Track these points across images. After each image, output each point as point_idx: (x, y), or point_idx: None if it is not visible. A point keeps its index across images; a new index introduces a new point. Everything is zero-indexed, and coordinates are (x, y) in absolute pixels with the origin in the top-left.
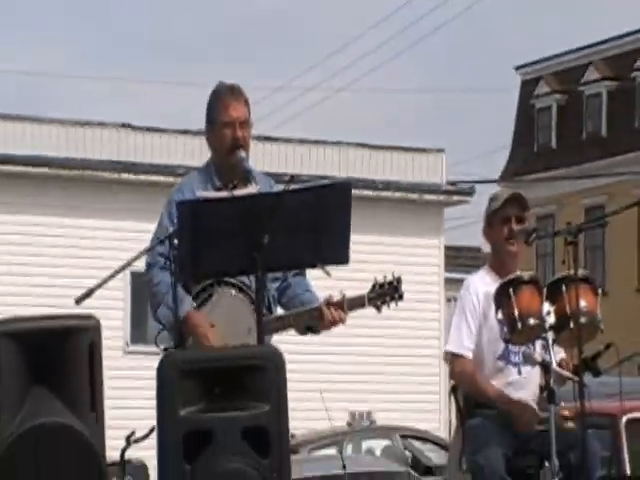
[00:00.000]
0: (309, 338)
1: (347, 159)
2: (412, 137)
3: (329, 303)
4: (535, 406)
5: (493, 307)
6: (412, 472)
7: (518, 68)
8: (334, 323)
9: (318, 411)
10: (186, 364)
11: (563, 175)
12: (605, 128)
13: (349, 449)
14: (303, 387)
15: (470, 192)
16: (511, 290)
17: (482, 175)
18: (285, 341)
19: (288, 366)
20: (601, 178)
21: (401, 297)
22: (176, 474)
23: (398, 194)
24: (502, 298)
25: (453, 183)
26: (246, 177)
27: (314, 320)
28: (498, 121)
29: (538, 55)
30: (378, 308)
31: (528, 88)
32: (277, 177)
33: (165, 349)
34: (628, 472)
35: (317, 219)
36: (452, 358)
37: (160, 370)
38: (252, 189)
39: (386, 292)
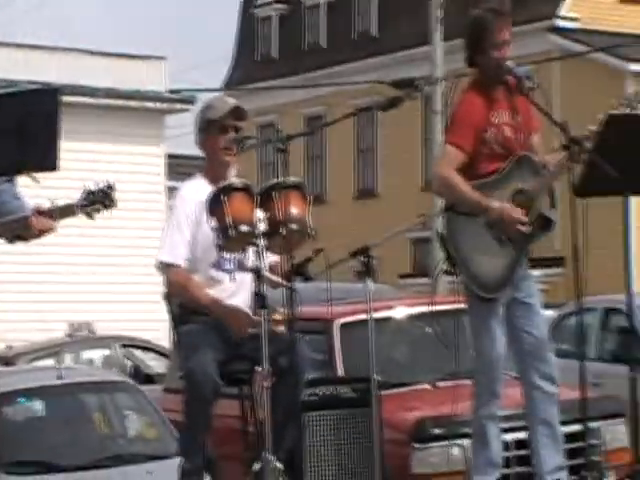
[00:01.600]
0: (24, 247)
1: (67, 65)
2: (138, 45)
3: (38, 212)
4: (249, 311)
5: (206, 215)
6: (130, 381)
7: None
8: (43, 232)
9: (37, 322)
10: None
11: (284, 84)
12: (325, 39)
13: (68, 360)
14: (20, 298)
15: (191, 100)
16: (223, 197)
17: (205, 84)
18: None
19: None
20: (320, 88)
21: (112, 203)
22: None
23: (119, 101)
24: (214, 206)
25: (175, 91)
26: None
27: (23, 228)
28: (221, 30)
29: None
30: (89, 215)
31: None
32: None
33: None
34: (342, 374)
35: (22, 125)
36: (165, 267)
37: None
38: None
39: (97, 199)
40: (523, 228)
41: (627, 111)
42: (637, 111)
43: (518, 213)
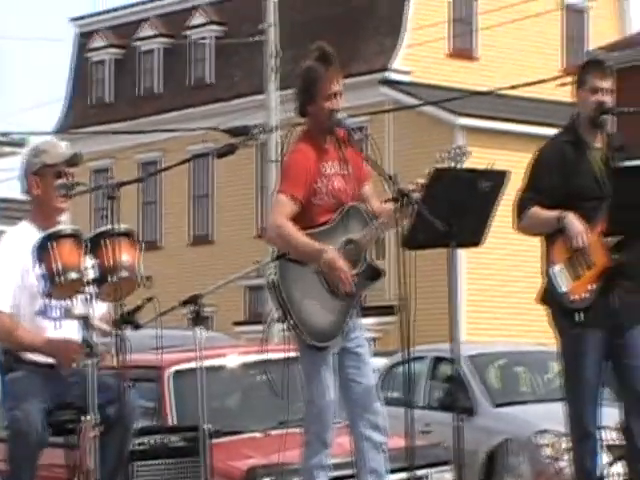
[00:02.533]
0: None
1: None
2: None
3: None
4: (78, 341)
5: (33, 261)
6: None
7: (73, 20)
8: None
9: None
10: None
11: (118, 129)
12: (160, 85)
13: None
14: None
15: (21, 143)
16: (51, 244)
17: (36, 127)
18: None
19: None
20: (156, 134)
21: None
22: None
23: None
24: (42, 252)
25: (5, 134)
26: None
27: None
28: (54, 72)
29: (94, 8)
30: None
31: (84, 40)
32: None
33: None
34: (174, 422)
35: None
36: None
37: None
38: None
39: None
40: (345, 282)
41: (452, 164)
42: (461, 164)
43: (341, 263)
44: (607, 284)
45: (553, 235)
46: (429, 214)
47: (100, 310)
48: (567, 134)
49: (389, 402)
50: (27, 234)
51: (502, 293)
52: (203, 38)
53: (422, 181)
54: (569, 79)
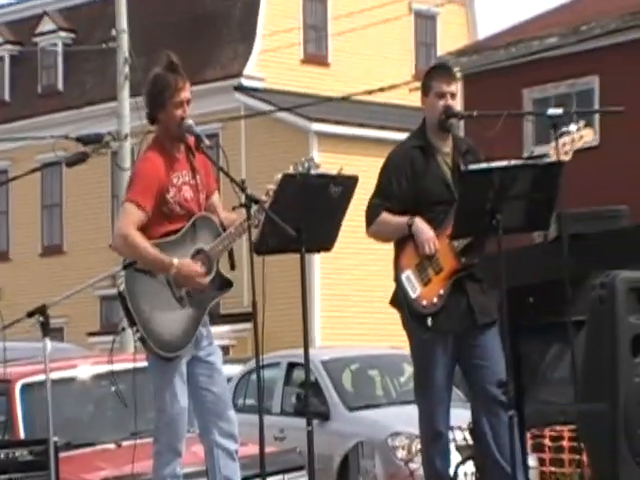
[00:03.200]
0: None
1: None
2: None
3: None
4: None
5: None
6: None
7: None
8: None
9: None
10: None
11: None
12: (8, 92)
13: None
14: None
15: None
16: None
17: None
18: None
19: None
20: (4, 142)
21: None
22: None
23: None
24: None
25: None
26: None
27: None
28: None
29: None
30: None
31: None
32: None
33: None
34: (24, 436)
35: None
36: None
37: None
38: None
39: None
40: (202, 280)
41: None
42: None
43: (196, 266)
44: (457, 287)
45: (403, 241)
46: (279, 220)
47: None
48: (416, 139)
49: (244, 409)
50: None
51: (357, 297)
52: (53, 45)
53: (272, 187)
54: (419, 84)
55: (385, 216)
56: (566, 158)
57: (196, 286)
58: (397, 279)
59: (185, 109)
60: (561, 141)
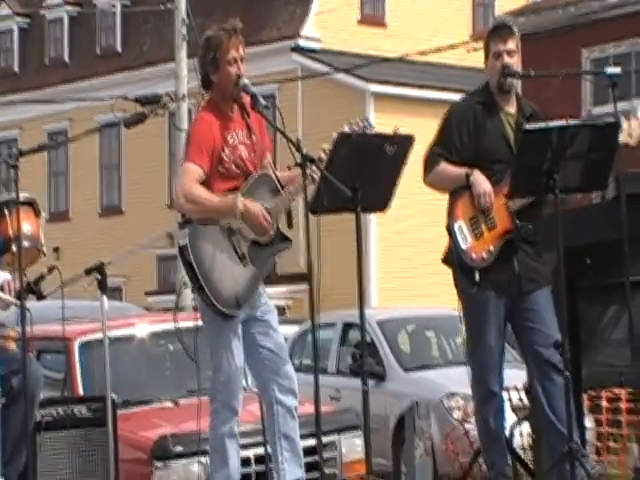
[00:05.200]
0: None
1: None
2: None
3: None
4: None
5: None
6: None
7: None
8: None
9: None
10: None
11: (25, 99)
12: (67, 53)
13: None
14: None
15: None
16: None
17: None
18: None
19: None
20: (64, 103)
21: None
22: None
23: None
24: None
25: None
26: None
27: None
28: None
29: None
30: None
31: None
32: None
33: None
34: (81, 392)
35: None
36: None
37: None
38: None
39: None
40: (266, 222)
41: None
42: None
43: (260, 206)
44: (508, 248)
45: (459, 192)
46: (334, 179)
47: (2, 279)
48: (480, 95)
49: (300, 369)
50: None
51: (414, 259)
52: (112, 6)
53: (327, 146)
54: (477, 45)
55: (444, 165)
56: (631, 142)
57: (260, 227)
58: (449, 228)
59: (240, 67)
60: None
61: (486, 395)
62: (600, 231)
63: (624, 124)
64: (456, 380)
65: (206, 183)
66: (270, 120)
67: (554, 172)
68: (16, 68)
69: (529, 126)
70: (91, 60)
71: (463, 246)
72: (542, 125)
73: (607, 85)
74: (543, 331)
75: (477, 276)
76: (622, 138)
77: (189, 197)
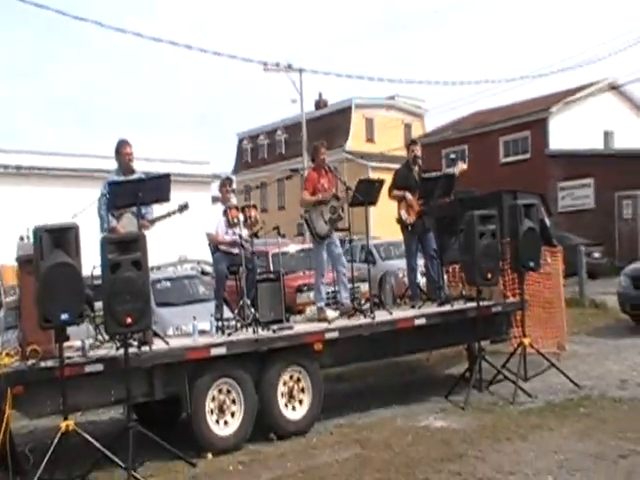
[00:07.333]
0: None
1: None
2: None
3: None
4: None
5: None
6: (200, 275)
7: None
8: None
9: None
10: None
11: None
12: None
13: (178, 267)
14: None
15: None
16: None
17: None
18: None
19: None
20: None
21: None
22: None
23: None
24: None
25: None
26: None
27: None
28: None
29: None
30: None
31: None
32: None
33: None
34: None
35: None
36: None
37: None
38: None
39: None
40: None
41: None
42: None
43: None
44: (420, 217)
45: (401, 200)
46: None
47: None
48: (406, 164)
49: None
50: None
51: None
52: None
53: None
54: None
55: (396, 191)
56: (457, 173)
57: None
58: (399, 214)
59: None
60: (460, 166)
61: (411, 267)
62: (449, 211)
63: (457, 166)
64: (401, 264)
65: (312, 193)
66: (336, 175)
67: (434, 192)
68: None
69: (425, 175)
70: None
71: (404, 217)
72: (431, 174)
73: (451, 159)
74: (430, 245)
75: (410, 228)
76: (456, 171)
77: (304, 199)
